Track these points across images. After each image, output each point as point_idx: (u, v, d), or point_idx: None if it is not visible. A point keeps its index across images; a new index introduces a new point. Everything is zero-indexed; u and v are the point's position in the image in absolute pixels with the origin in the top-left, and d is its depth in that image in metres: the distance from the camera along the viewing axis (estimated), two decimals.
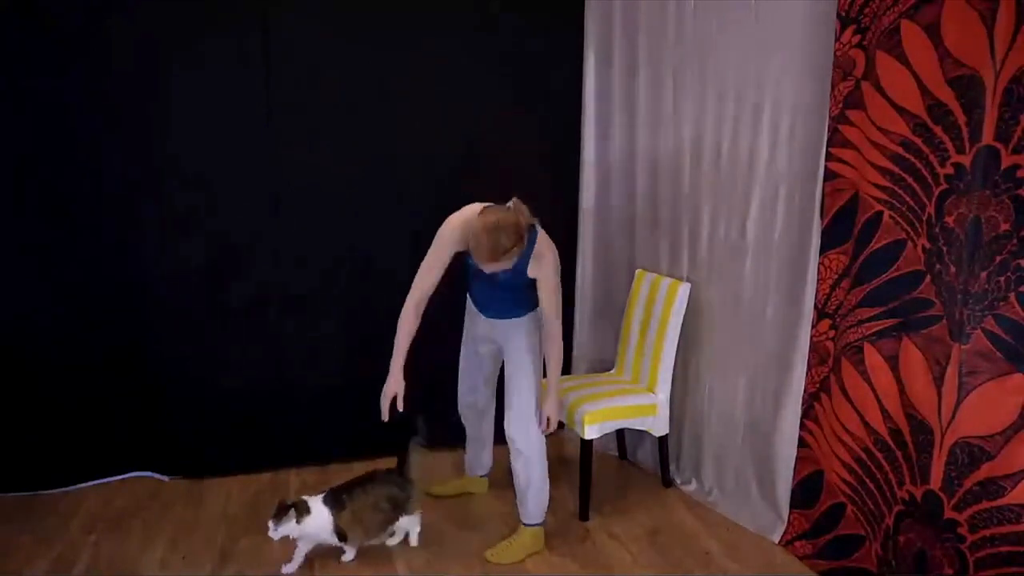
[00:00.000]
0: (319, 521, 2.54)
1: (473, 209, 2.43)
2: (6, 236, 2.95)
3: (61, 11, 2.85)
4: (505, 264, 2.33)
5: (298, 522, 2.50)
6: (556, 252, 2.49)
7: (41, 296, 3.03)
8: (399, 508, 2.66)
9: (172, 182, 3.07)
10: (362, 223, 3.29)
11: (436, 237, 2.49)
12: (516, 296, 2.59)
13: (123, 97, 2.96)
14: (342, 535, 2.57)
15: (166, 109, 3.01)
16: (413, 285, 2.53)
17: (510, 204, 2.38)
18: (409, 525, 2.74)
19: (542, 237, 2.45)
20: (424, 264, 2.51)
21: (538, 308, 2.58)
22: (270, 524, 2.48)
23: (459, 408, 2.98)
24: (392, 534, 2.72)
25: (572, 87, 3.57)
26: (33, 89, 2.87)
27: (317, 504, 2.55)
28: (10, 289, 2.98)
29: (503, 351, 2.71)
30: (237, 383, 3.27)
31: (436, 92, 3.28)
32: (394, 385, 2.53)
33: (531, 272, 2.46)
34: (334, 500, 2.57)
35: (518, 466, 2.67)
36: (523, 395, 2.62)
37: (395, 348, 2.55)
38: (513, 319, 2.64)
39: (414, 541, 2.76)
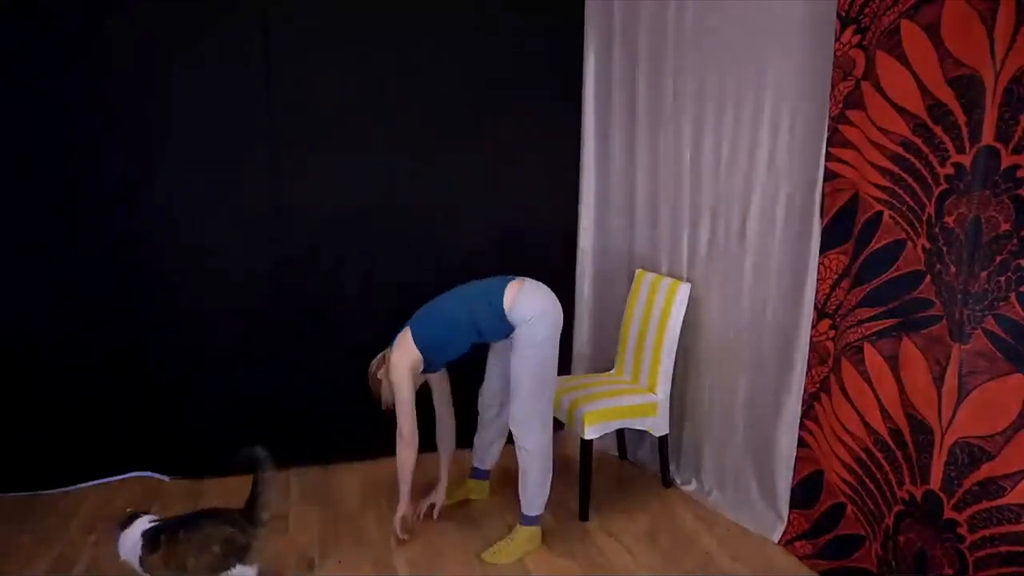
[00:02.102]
0: (128, 548, 2.24)
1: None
2: (6, 236, 2.96)
3: (61, 11, 2.85)
4: (382, 390, 2.73)
5: (116, 536, 2.26)
6: (396, 367, 2.63)
7: (41, 296, 3.03)
8: (234, 555, 2.23)
9: (172, 182, 3.06)
10: (362, 224, 3.29)
11: None
12: (484, 334, 2.70)
13: (123, 97, 2.97)
14: None
15: (166, 109, 3.01)
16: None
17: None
18: None
19: (393, 365, 2.65)
20: None
21: (530, 325, 2.61)
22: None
23: (479, 394, 2.99)
24: None
25: (572, 87, 3.57)
26: (33, 89, 2.87)
27: (137, 529, 2.25)
28: (10, 289, 2.98)
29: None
30: (237, 383, 3.27)
31: (436, 92, 3.28)
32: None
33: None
34: (152, 536, 2.24)
35: (521, 459, 2.69)
36: (526, 390, 2.62)
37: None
38: (504, 336, 2.69)
39: None
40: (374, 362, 2.77)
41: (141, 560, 2.23)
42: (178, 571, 2.20)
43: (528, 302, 2.62)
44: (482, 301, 2.66)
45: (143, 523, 2.30)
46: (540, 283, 2.71)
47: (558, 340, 2.68)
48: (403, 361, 2.64)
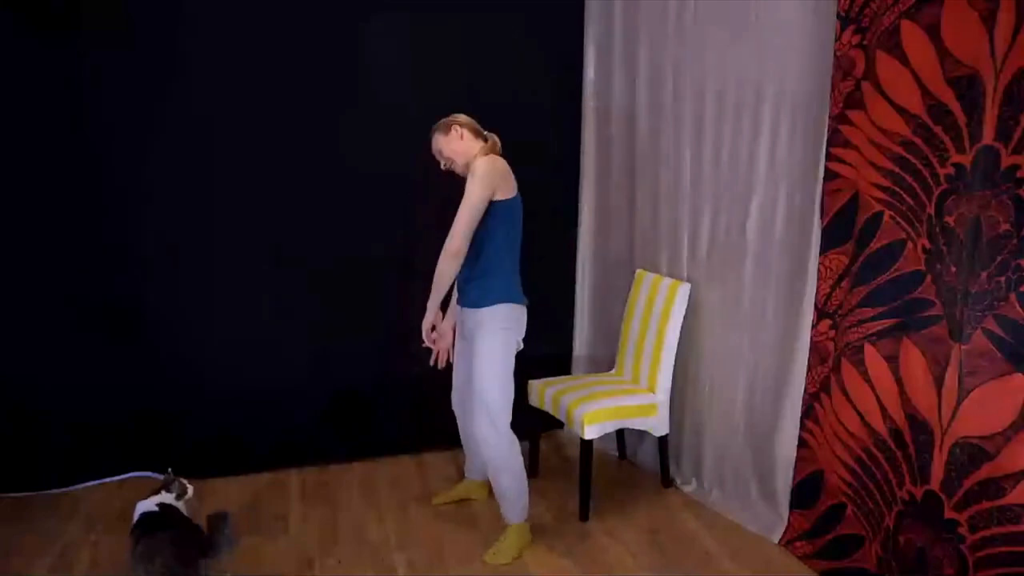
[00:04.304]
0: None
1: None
2: (6, 236, 2.95)
3: (61, 11, 2.85)
4: (441, 140, 2.66)
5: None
6: (490, 172, 2.52)
7: (41, 296, 3.02)
8: None
9: (173, 182, 3.07)
10: (362, 225, 3.28)
11: None
12: (479, 271, 2.61)
13: (123, 97, 2.96)
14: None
15: (166, 109, 3.01)
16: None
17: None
18: None
19: (484, 159, 2.55)
20: None
21: (499, 305, 2.58)
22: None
23: (452, 405, 2.97)
24: None
25: (572, 86, 3.57)
26: (34, 89, 2.87)
27: (146, 504, 2.31)
28: (10, 289, 2.98)
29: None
30: (238, 383, 3.26)
31: (435, 92, 3.28)
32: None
33: (468, 183, 2.53)
34: (137, 521, 2.28)
35: (487, 471, 2.69)
36: (481, 404, 2.60)
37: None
38: (477, 309, 2.62)
39: None
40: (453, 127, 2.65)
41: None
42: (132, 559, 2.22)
43: (505, 315, 2.60)
44: (498, 268, 2.61)
45: (151, 503, 2.31)
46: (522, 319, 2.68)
47: (511, 356, 2.64)
48: (494, 163, 2.54)
